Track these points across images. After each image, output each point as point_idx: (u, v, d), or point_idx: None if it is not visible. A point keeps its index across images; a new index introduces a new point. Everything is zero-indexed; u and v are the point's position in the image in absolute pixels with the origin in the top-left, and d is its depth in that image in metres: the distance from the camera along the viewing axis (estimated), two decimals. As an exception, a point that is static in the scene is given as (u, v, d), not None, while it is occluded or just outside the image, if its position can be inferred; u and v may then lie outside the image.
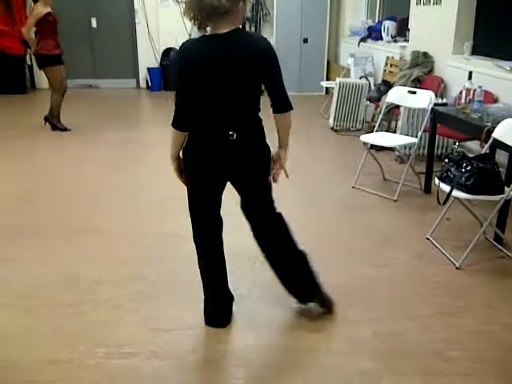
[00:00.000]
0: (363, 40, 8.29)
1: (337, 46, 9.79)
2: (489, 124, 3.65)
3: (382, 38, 7.76)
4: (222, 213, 2.69)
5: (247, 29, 9.24)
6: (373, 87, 6.99)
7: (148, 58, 9.85)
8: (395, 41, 7.45)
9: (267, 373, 2.44)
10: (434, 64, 6.16)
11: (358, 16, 9.05)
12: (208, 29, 2.40)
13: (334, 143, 6.53)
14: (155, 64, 9.83)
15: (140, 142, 6.32)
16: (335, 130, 6.90)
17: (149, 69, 9.79)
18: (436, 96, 4.97)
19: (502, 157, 4.09)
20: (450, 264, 3.40)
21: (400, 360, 2.51)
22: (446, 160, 3.53)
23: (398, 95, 4.86)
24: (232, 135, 2.41)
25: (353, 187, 4.76)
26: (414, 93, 4.73)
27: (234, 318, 2.80)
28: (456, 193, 3.32)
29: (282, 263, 2.76)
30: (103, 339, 2.64)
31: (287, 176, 2.68)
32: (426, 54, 6.20)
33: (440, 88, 5.78)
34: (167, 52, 9.59)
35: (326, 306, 2.83)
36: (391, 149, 5.34)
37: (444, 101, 5.23)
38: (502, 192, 3.29)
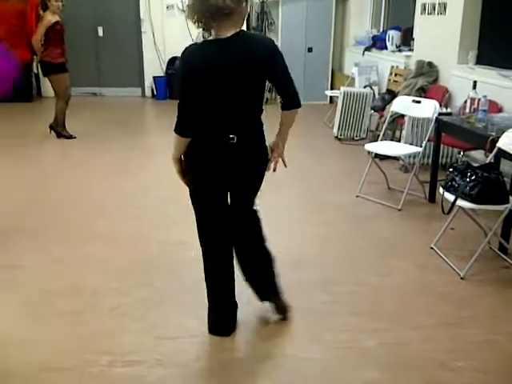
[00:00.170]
0: (368, 49, 8.32)
1: (341, 55, 9.81)
2: (493, 133, 3.65)
3: (386, 48, 7.79)
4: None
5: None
6: (377, 96, 7.00)
7: (153, 66, 9.89)
8: (400, 50, 7.47)
9: (272, 382, 2.44)
10: (439, 73, 6.17)
11: (363, 25, 9.08)
12: (212, 32, 2.40)
13: (338, 152, 6.54)
14: (161, 73, 9.87)
15: (144, 150, 6.34)
16: (339, 139, 6.91)
17: (154, 77, 9.83)
18: (440, 105, 4.97)
19: (506, 166, 4.10)
20: (454, 274, 3.39)
21: (405, 370, 2.50)
22: (451, 169, 3.53)
23: (402, 104, 4.87)
24: (233, 139, 2.42)
25: (357, 196, 4.76)
26: (419, 102, 4.73)
27: (239, 325, 2.79)
28: (460, 202, 3.32)
29: (250, 257, 2.77)
30: (107, 347, 2.64)
31: (285, 165, 2.68)
32: (430, 64, 6.21)
33: (444, 97, 5.78)
34: (173, 61, 9.62)
35: (281, 311, 2.85)
36: (395, 158, 5.34)
37: (448, 110, 5.22)
38: (507, 201, 3.28)
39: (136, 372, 2.47)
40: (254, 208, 2.73)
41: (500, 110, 4.86)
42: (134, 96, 10.08)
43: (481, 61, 5.60)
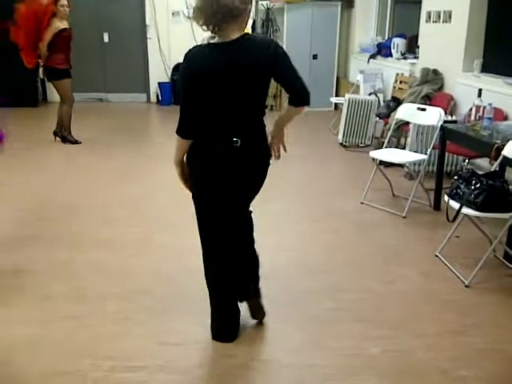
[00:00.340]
0: (373, 57, 8.33)
1: (346, 63, 9.82)
2: (498, 141, 3.65)
3: (391, 55, 7.79)
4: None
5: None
6: (382, 104, 7.00)
7: (159, 72, 9.93)
8: (405, 58, 7.48)
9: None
10: (444, 81, 6.17)
11: (368, 33, 9.09)
12: (216, 34, 2.39)
13: (342, 159, 6.54)
14: (166, 79, 9.91)
15: (149, 156, 6.35)
16: (344, 146, 6.91)
17: (159, 83, 9.87)
18: (446, 113, 4.96)
19: (511, 174, 4.08)
20: (458, 282, 3.37)
21: (408, 378, 2.49)
22: (456, 177, 3.52)
23: (407, 112, 4.87)
24: (236, 142, 2.41)
25: (361, 203, 4.75)
26: (424, 110, 4.73)
27: (243, 331, 2.79)
28: (465, 210, 3.31)
29: (240, 257, 2.74)
30: (110, 352, 2.64)
31: (285, 150, 2.66)
32: (435, 71, 6.22)
33: (450, 105, 5.78)
34: (178, 67, 9.65)
35: (258, 314, 2.86)
36: (400, 165, 5.34)
37: (454, 118, 5.22)
38: (512, 210, 3.27)
39: (138, 377, 2.46)
40: (250, 209, 2.75)
41: (505, 118, 4.86)
42: (139, 102, 10.12)
43: (486, 69, 5.60)
